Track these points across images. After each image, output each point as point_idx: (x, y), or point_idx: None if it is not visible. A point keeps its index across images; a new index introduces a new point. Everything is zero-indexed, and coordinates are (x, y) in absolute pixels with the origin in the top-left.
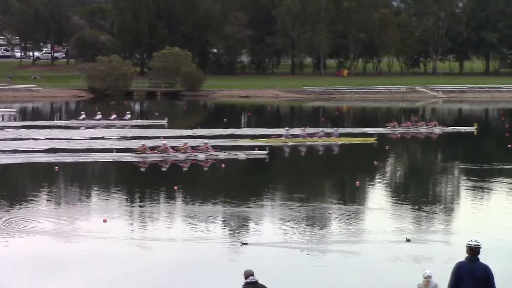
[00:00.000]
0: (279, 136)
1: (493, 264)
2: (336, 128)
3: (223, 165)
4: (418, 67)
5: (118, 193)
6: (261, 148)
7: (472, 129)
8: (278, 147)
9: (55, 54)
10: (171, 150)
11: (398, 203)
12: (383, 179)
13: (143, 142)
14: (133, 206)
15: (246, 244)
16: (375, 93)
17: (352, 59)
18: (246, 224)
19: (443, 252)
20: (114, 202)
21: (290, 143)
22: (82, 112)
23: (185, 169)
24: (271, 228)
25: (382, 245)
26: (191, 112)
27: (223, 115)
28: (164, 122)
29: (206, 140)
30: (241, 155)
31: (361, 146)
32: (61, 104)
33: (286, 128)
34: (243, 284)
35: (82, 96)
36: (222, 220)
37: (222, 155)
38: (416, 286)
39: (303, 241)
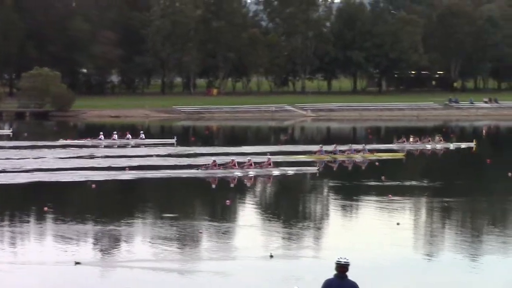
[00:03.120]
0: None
1: (360, 281)
2: (363, 145)
3: (93, 186)
4: (287, 86)
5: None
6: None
7: (471, 144)
8: None
9: None
10: (237, 166)
11: (270, 221)
12: (255, 198)
13: (213, 158)
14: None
15: (79, 263)
16: (244, 112)
17: (221, 78)
18: (115, 244)
19: (312, 269)
20: None
21: (340, 159)
22: (101, 133)
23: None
24: (140, 248)
25: (251, 263)
26: (62, 133)
27: (93, 135)
28: (173, 140)
29: (269, 156)
30: (290, 171)
31: None
32: None
33: (334, 145)
34: None
35: None
36: (93, 240)
37: (276, 171)
38: None
39: (171, 261)
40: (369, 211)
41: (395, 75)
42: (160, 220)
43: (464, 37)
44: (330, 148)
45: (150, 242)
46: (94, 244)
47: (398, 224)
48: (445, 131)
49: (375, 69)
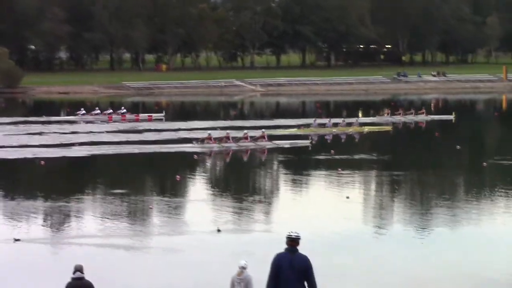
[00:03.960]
0: (308, 126)
1: (312, 255)
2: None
3: (42, 162)
4: (236, 62)
5: None
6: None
7: (451, 117)
8: None
9: None
10: (232, 140)
11: (222, 195)
12: (207, 173)
13: (209, 131)
14: None
15: (18, 240)
16: (194, 87)
17: (170, 54)
18: (64, 221)
19: (263, 243)
20: None
21: (320, 133)
22: (82, 108)
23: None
24: (91, 225)
25: (201, 237)
26: (10, 109)
27: (42, 111)
28: (161, 115)
29: (263, 129)
30: (286, 144)
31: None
32: None
33: (314, 119)
34: (69, 279)
35: None
36: (42, 217)
37: (270, 144)
38: (231, 278)
39: (120, 237)
40: (319, 185)
41: (344, 50)
42: (110, 196)
43: (412, 10)
44: (324, 121)
45: (99, 218)
46: (44, 220)
47: (347, 197)
48: (393, 105)
49: (324, 43)
